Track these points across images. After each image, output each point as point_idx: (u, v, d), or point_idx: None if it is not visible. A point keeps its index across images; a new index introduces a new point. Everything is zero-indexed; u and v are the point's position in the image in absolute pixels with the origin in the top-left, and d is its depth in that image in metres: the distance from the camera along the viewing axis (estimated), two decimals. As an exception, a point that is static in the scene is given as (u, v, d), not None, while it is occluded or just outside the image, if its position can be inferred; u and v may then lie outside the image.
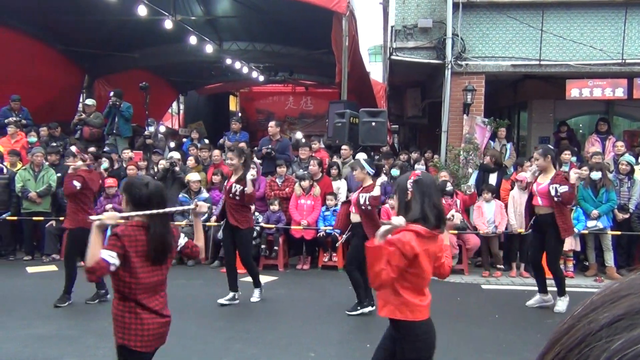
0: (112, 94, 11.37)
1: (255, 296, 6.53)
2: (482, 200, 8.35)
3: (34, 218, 8.79)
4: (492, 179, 8.81)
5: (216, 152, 9.78)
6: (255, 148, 10.78)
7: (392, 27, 10.82)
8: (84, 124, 11.31)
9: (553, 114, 12.38)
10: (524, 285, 7.56)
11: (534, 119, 12.54)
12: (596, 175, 8.12)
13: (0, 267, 8.40)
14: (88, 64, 16.29)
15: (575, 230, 7.94)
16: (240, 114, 21.49)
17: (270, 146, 9.71)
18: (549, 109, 12.38)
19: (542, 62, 10.19)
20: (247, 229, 6.44)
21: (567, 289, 6.47)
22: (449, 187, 8.34)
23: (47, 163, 9.20)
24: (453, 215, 3.22)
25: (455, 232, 8.09)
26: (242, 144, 9.96)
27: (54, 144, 10.46)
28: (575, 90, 10.07)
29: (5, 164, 9.26)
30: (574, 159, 9.36)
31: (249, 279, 6.64)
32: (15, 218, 8.81)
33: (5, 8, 12.33)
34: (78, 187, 6.34)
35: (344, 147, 9.60)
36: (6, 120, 10.77)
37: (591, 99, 10.30)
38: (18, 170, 9.12)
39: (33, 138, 10.42)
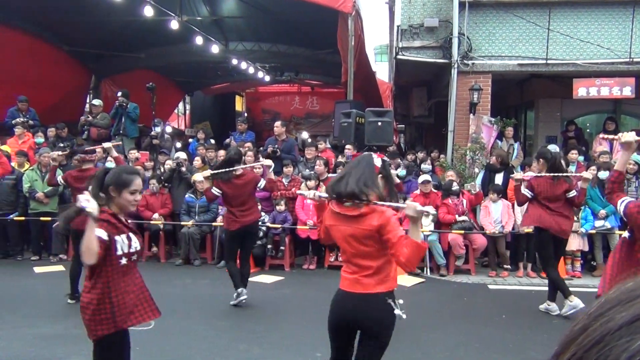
0: (119, 94, 11.40)
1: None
2: (488, 200, 8.32)
3: (42, 218, 8.83)
4: (498, 178, 8.78)
5: (221, 152, 9.79)
6: (261, 148, 10.79)
7: (398, 26, 10.80)
8: (91, 125, 11.35)
9: (560, 113, 12.32)
10: (530, 286, 7.53)
11: (541, 118, 12.48)
12: (604, 174, 8.06)
13: (8, 266, 8.45)
14: (94, 65, 16.36)
15: (583, 230, 7.91)
16: (246, 114, 21.53)
17: (276, 145, 9.71)
18: (556, 108, 12.32)
19: (548, 61, 10.14)
20: (225, 229, 6.61)
21: (575, 289, 6.44)
22: (455, 186, 8.31)
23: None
24: (428, 213, 2.94)
25: (462, 232, 8.07)
26: (248, 144, 9.98)
27: (61, 145, 10.50)
28: (582, 89, 10.01)
29: (13, 164, 9.31)
30: (581, 158, 9.31)
31: (255, 279, 6.62)
32: (22, 218, 8.86)
33: (12, 10, 12.42)
34: (59, 182, 6.79)
35: (347, 146, 9.59)
36: (14, 121, 10.83)
37: (598, 98, 10.23)
38: (25, 170, 9.17)
39: (40, 139, 10.47)
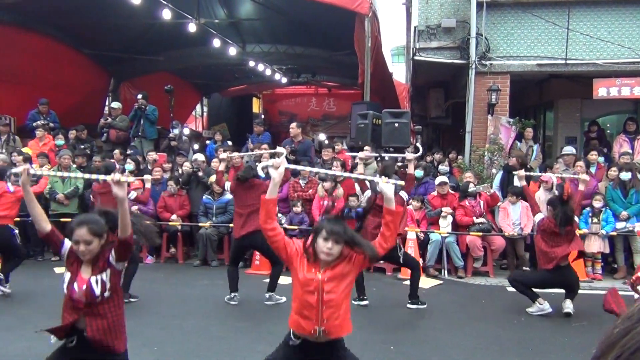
0: (140, 96, 11.51)
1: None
2: (507, 202, 8.24)
3: (62, 219, 8.91)
4: (516, 180, 8.67)
5: (235, 154, 9.81)
6: (279, 150, 10.81)
7: (415, 27, 10.76)
8: (110, 127, 11.48)
9: (580, 114, 12.19)
10: (550, 289, 7.42)
11: (560, 118, 12.35)
12: (626, 175, 7.96)
13: (29, 267, 8.55)
14: (114, 68, 16.54)
15: (603, 232, 7.80)
16: (263, 116, 21.59)
17: (292, 145, 9.68)
18: (575, 109, 12.18)
19: (568, 61, 10.03)
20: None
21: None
22: (472, 188, 8.24)
23: (74, 165, 9.37)
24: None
25: (480, 233, 8.00)
26: (265, 145, 10.00)
27: (82, 147, 10.65)
28: (602, 90, 9.87)
29: (33, 166, 9.44)
30: (601, 159, 9.20)
31: (281, 280, 6.65)
32: (43, 219, 8.97)
33: (32, 13, 12.60)
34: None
35: (365, 147, 9.56)
36: (34, 124, 11.01)
37: (619, 98, 10.09)
38: (46, 172, 9.29)
39: (60, 141, 10.62)
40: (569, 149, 9.21)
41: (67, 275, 3.21)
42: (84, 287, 3.15)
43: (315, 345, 3.10)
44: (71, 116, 13.12)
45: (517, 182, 8.55)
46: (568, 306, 5.99)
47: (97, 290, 3.15)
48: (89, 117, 13.78)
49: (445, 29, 10.39)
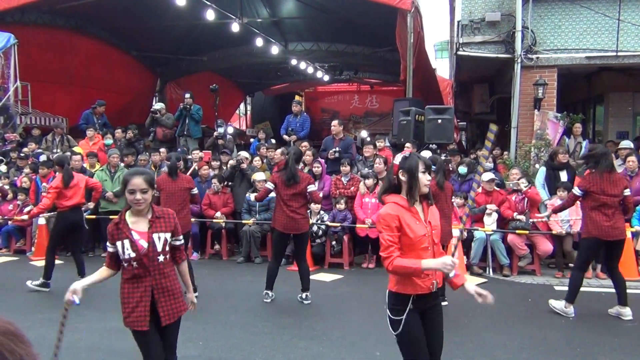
0: (187, 95, 11.75)
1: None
2: (556, 198, 8.02)
3: (111, 217, 9.20)
4: (563, 176, 8.43)
5: (278, 151, 9.92)
6: (321, 148, 10.84)
7: (458, 21, 10.62)
8: (157, 124, 11.76)
9: (632, 108, 11.77)
10: (600, 287, 7.20)
11: (611, 113, 11.96)
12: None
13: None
14: (160, 68, 16.95)
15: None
16: (305, 113, 21.70)
17: (338, 148, 9.66)
18: (627, 102, 11.78)
19: (619, 53, 9.69)
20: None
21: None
22: (520, 183, 8.04)
23: (122, 164, 9.64)
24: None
25: (526, 232, 7.83)
26: (305, 143, 10.04)
27: (132, 134, 11.00)
28: (656, 82, 9.52)
29: (85, 165, 9.77)
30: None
31: (315, 277, 6.67)
32: (93, 217, 9.26)
33: (85, 18, 13.04)
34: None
35: (407, 145, 9.49)
36: (85, 126, 11.45)
37: (674, 90, 9.72)
38: (96, 171, 9.60)
39: (109, 140, 10.96)
40: (626, 143, 8.90)
41: (127, 241, 3.17)
42: (148, 240, 3.19)
43: (426, 297, 3.26)
44: (120, 116, 13.55)
45: (563, 178, 8.37)
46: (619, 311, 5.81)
47: (159, 246, 3.20)
48: (137, 117, 14.18)
49: (489, 22, 10.21)
